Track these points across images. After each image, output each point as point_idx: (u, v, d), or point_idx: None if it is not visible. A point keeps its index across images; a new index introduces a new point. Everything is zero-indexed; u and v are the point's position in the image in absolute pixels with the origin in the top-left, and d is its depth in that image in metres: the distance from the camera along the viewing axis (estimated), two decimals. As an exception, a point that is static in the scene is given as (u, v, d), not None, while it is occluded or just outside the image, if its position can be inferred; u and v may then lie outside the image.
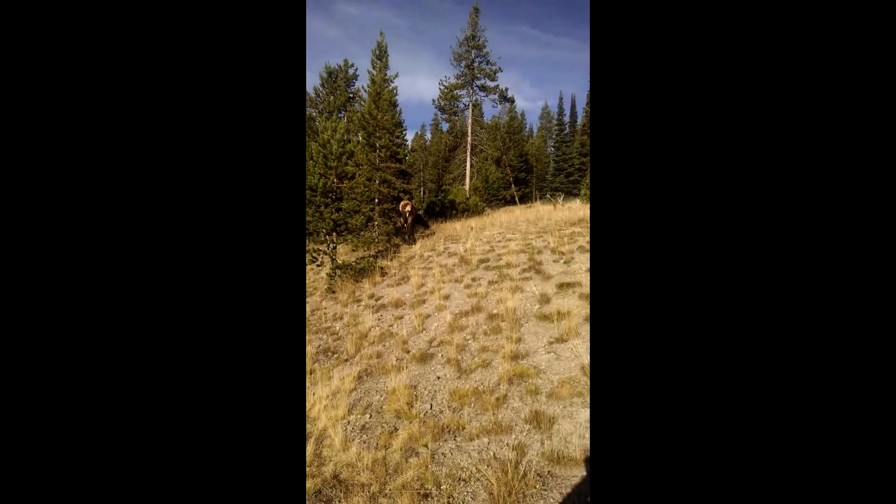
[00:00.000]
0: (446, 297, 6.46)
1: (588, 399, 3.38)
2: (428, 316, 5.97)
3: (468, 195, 19.16)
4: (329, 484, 2.96)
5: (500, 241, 9.21)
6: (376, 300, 7.27)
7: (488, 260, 7.88)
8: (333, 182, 9.45)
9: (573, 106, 34.87)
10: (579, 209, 13.70)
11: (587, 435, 2.99)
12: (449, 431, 3.36)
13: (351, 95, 19.86)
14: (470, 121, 21.71)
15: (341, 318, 6.90)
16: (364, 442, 3.45)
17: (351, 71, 19.99)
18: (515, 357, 4.27)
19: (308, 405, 4.13)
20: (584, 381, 3.61)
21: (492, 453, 2.99)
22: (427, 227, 13.98)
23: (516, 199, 25.74)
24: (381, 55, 14.27)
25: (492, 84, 21.16)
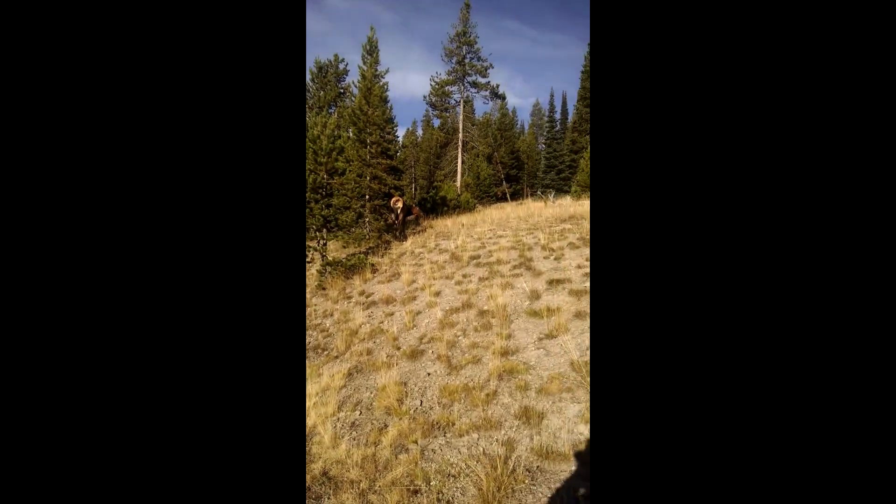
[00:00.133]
0: (437, 294, 6.46)
1: (576, 394, 3.40)
2: (419, 312, 5.97)
3: (459, 192, 19.15)
4: (318, 481, 2.96)
5: (490, 238, 9.23)
6: (367, 297, 7.24)
7: (479, 256, 7.89)
8: (323, 178, 9.38)
9: (564, 103, 34.97)
10: (570, 206, 13.76)
11: (576, 430, 3.01)
12: (439, 428, 3.36)
13: (341, 91, 19.72)
14: (461, 117, 21.68)
15: (331, 315, 6.87)
16: (354, 439, 3.44)
17: (341, 66, 19.84)
18: (505, 353, 4.28)
19: (297, 402, 4.11)
20: (573, 377, 3.64)
21: (481, 449, 3.00)
22: (418, 220, 13.96)
23: (507, 195, 25.79)
24: (371, 50, 14.17)
25: (483, 80, 21.14)
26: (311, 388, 4.39)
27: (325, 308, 7.33)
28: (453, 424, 3.36)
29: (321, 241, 9.25)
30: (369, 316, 6.34)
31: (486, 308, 5.52)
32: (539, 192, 22.35)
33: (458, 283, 6.76)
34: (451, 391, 3.81)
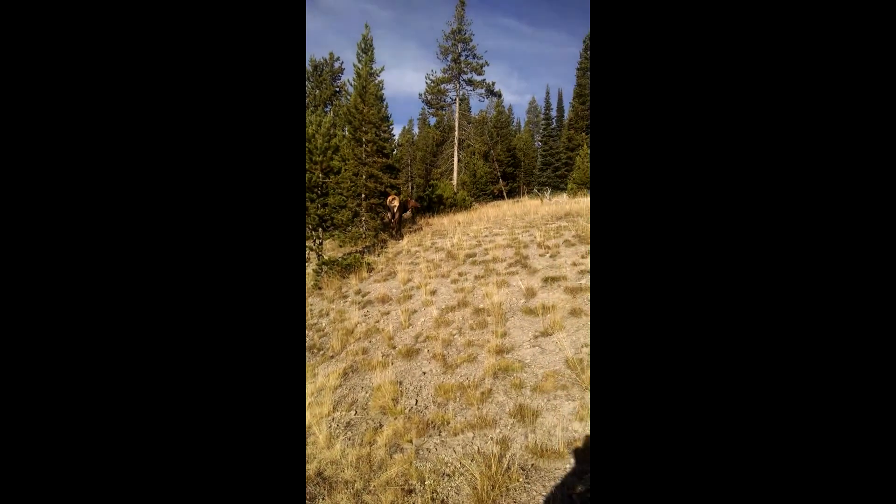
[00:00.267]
0: (433, 293, 6.45)
1: (571, 392, 3.40)
2: (414, 311, 5.96)
3: (456, 190, 19.14)
4: (313, 482, 2.95)
5: (487, 236, 9.22)
6: (363, 296, 7.23)
7: (475, 255, 7.88)
8: (319, 177, 9.36)
9: (560, 100, 34.98)
10: (566, 203, 13.77)
11: (570, 427, 3.01)
12: (434, 427, 3.36)
13: (337, 89, 19.67)
14: (457, 115, 21.65)
15: (327, 315, 6.86)
16: (349, 439, 3.43)
17: (337, 64, 19.79)
18: (501, 351, 4.28)
19: (293, 403, 4.10)
20: (568, 374, 3.64)
21: (476, 448, 2.99)
22: (414, 217, 13.94)
23: (504, 193, 25.78)
24: (366, 48, 14.11)
25: (478, 78, 21.11)
26: (307, 388, 4.37)
27: (321, 307, 7.31)
28: (448, 423, 3.35)
29: (317, 241, 9.23)
30: (365, 315, 6.33)
31: (481, 306, 5.52)
32: (535, 190, 22.36)
33: (454, 281, 6.76)
34: (447, 390, 3.81)
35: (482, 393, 3.64)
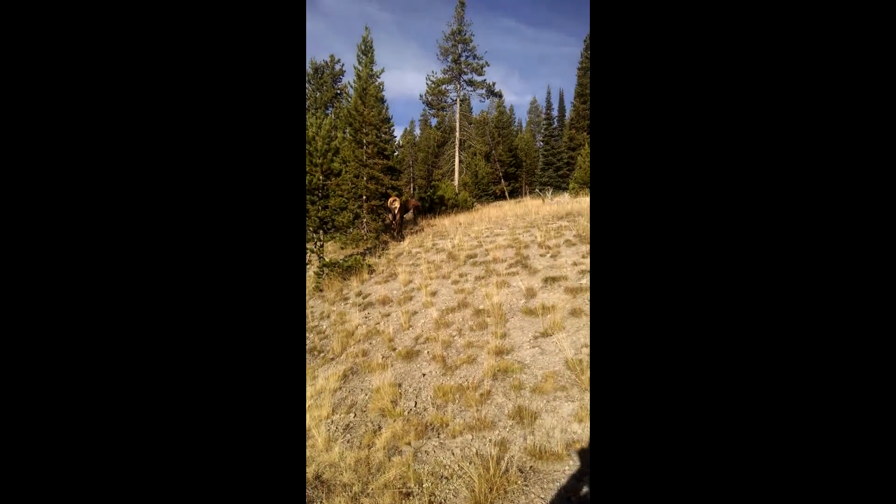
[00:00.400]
0: (433, 294, 6.44)
1: (571, 393, 3.38)
2: (415, 313, 5.95)
3: (457, 191, 19.13)
4: (311, 485, 2.94)
5: (487, 237, 9.21)
6: (364, 298, 7.22)
7: (476, 255, 7.87)
8: (319, 179, 9.36)
9: (561, 100, 34.93)
10: (567, 203, 13.74)
11: (569, 429, 2.99)
12: (433, 429, 3.34)
13: (338, 91, 19.70)
14: (458, 116, 21.65)
15: (328, 317, 6.86)
16: (347, 441, 3.42)
17: (337, 67, 19.83)
18: (500, 352, 4.26)
19: (292, 405, 4.10)
20: (568, 375, 3.61)
21: (474, 450, 2.98)
22: (416, 218, 13.94)
23: (506, 193, 25.74)
24: (366, 50, 14.14)
25: (479, 79, 21.10)
26: (307, 391, 4.36)
27: (322, 310, 7.31)
28: (447, 425, 3.34)
29: (318, 243, 9.23)
30: (366, 317, 6.32)
31: (481, 307, 5.50)
32: (537, 190, 22.32)
33: (455, 282, 6.74)
34: (446, 392, 3.79)
35: (481, 394, 3.63)
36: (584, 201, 13.19)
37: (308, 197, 9.11)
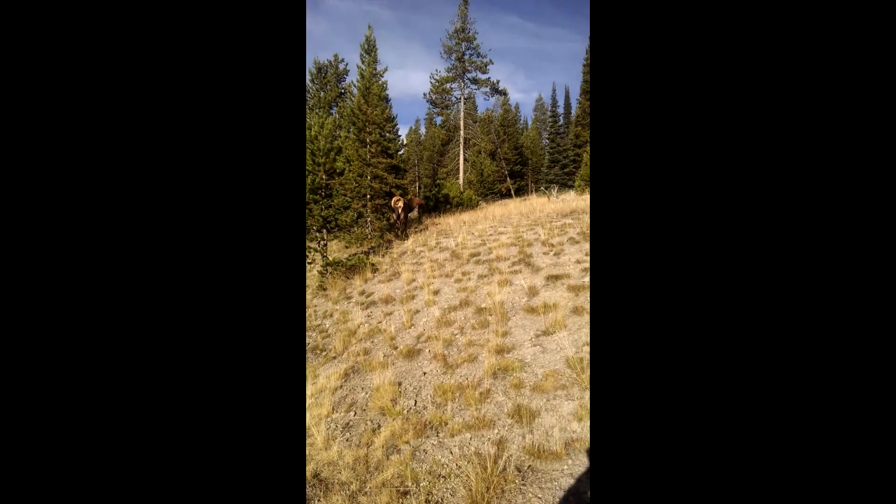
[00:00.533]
0: (436, 293, 6.42)
1: (571, 392, 3.35)
2: (417, 311, 5.94)
3: (462, 189, 19.09)
4: (309, 483, 2.94)
5: (491, 235, 9.17)
6: (367, 297, 7.23)
7: (479, 254, 7.84)
8: (322, 178, 9.37)
9: (567, 97, 34.71)
10: (573, 201, 13.66)
11: (569, 427, 2.96)
12: (431, 428, 3.33)
13: (342, 91, 19.72)
14: (462, 114, 21.60)
15: (331, 316, 6.86)
16: (346, 440, 3.42)
17: (341, 66, 19.84)
18: (501, 351, 4.24)
19: (293, 404, 4.10)
20: (568, 374, 3.58)
21: (473, 449, 2.96)
22: (421, 217, 13.93)
23: (512, 191, 25.66)
24: (369, 49, 14.15)
25: (483, 77, 21.04)
26: (308, 389, 4.37)
27: (325, 309, 7.32)
28: (446, 424, 3.32)
29: (321, 242, 9.25)
30: (368, 316, 6.32)
31: (484, 306, 5.47)
32: (543, 188, 22.23)
33: (458, 280, 6.72)
34: (446, 390, 3.77)
35: (481, 393, 3.60)
36: (589, 199, 13.11)
37: (311, 196, 9.13)
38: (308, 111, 18.77)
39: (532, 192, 27.00)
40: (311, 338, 6.19)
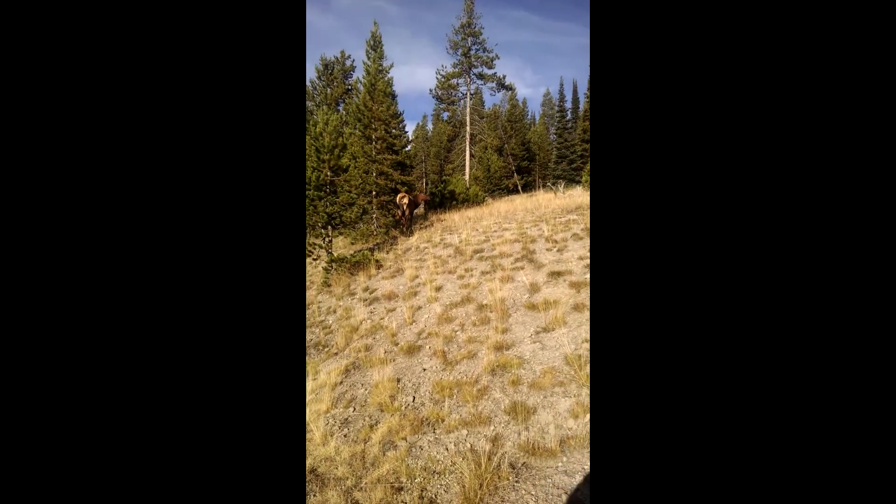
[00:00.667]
0: (438, 289, 6.43)
1: (568, 389, 3.34)
2: (419, 308, 5.95)
3: (468, 185, 19.05)
4: (305, 478, 2.96)
5: (496, 231, 9.15)
6: (370, 293, 7.25)
7: (483, 250, 7.83)
8: (327, 175, 9.40)
9: (574, 92, 34.41)
10: (579, 196, 13.57)
11: (565, 425, 2.96)
12: (428, 424, 3.34)
13: (349, 87, 19.74)
14: (468, 110, 21.52)
15: (334, 312, 6.91)
16: (344, 435, 3.44)
17: (348, 62, 19.85)
18: (501, 348, 4.23)
19: (293, 400, 4.14)
20: (567, 371, 3.57)
21: (469, 445, 2.96)
22: (427, 213, 13.93)
23: (519, 187, 25.54)
24: (375, 45, 14.13)
25: (489, 72, 20.91)
26: (308, 385, 4.41)
27: (328, 305, 7.37)
28: (443, 420, 3.33)
29: (326, 238, 9.29)
30: (371, 312, 6.35)
31: (485, 302, 5.47)
32: (550, 184, 22.10)
33: (460, 277, 6.72)
34: (444, 387, 3.78)
35: (479, 390, 3.61)
36: (595, 194, 13.00)
37: (316, 193, 9.16)
38: (315, 108, 18.82)
39: (539, 187, 26.87)
40: (314, 334, 6.23)
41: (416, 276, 7.30)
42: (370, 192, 12.39)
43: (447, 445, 3.03)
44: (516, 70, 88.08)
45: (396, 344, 5.03)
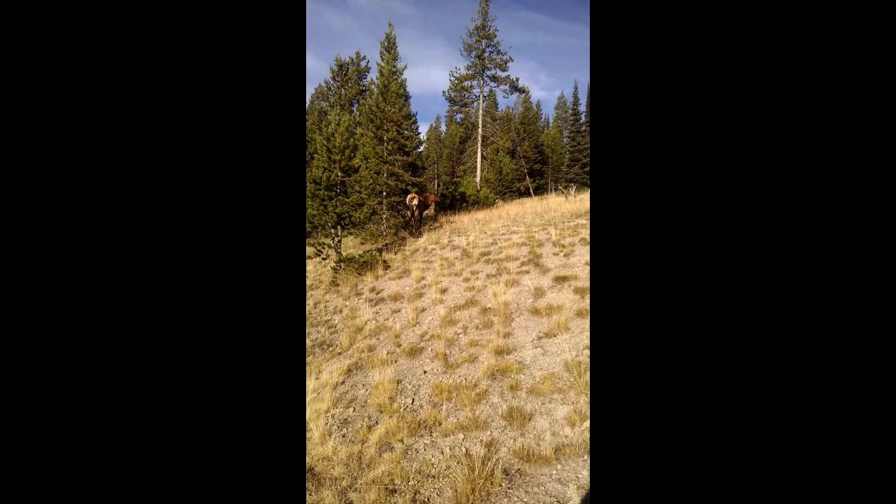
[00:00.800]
0: (444, 291, 6.44)
1: (567, 396, 3.32)
2: (423, 310, 5.96)
3: (479, 187, 19.03)
4: (302, 477, 2.99)
5: (504, 234, 9.13)
6: (376, 293, 7.29)
7: (490, 253, 7.82)
8: (338, 175, 9.48)
9: (589, 95, 34.15)
10: (589, 200, 13.45)
11: (561, 432, 2.94)
12: (425, 427, 3.35)
13: (363, 88, 19.86)
14: (480, 112, 21.50)
15: (340, 312, 6.96)
16: (343, 436, 3.47)
17: (363, 63, 19.98)
18: (502, 352, 4.22)
19: (295, 398, 4.18)
20: (566, 377, 3.55)
21: (464, 449, 2.97)
22: (436, 215, 13.95)
23: (531, 190, 25.44)
24: (389, 47, 14.21)
25: (503, 74, 20.88)
26: (310, 384, 4.45)
27: (335, 304, 7.42)
28: (440, 424, 3.34)
29: (336, 238, 9.36)
30: (376, 313, 6.38)
31: (489, 306, 5.46)
32: (561, 188, 21.97)
33: (466, 280, 6.72)
34: (444, 390, 3.79)
35: (477, 394, 3.61)
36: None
37: (327, 193, 9.24)
38: (329, 108, 18.98)
39: (551, 190, 26.71)
40: (320, 333, 6.29)
41: (423, 278, 7.32)
42: (380, 192, 12.45)
43: (443, 449, 3.03)
44: (531, 73, 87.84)
45: (399, 345, 5.06)
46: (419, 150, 14.97)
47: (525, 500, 2.45)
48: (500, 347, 4.30)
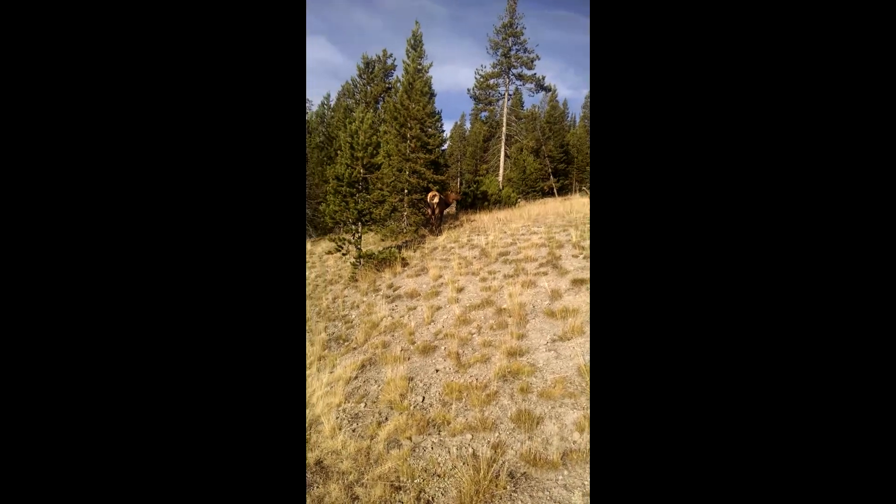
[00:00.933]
0: (460, 290, 6.43)
1: (578, 400, 3.28)
2: (439, 308, 5.97)
3: (501, 186, 18.91)
4: (311, 469, 3.05)
5: (523, 234, 9.05)
6: (394, 290, 7.34)
7: (508, 253, 7.76)
8: (360, 172, 9.57)
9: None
10: (614, 202, 13.20)
11: (570, 437, 2.90)
12: (434, 426, 3.36)
13: (388, 86, 19.99)
14: (505, 110, 21.34)
15: (357, 307, 7.03)
16: (353, 430, 3.51)
17: (389, 61, 20.11)
18: (515, 354, 4.20)
19: (309, 392, 4.25)
20: (579, 382, 3.50)
21: (471, 450, 2.96)
22: (457, 213, 13.93)
23: (555, 190, 25.13)
24: (415, 45, 14.24)
25: (529, 73, 20.67)
26: (324, 378, 4.52)
27: (353, 300, 7.51)
28: (449, 423, 3.34)
29: (356, 234, 9.46)
30: (392, 309, 6.43)
31: (504, 306, 5.43)
32: (583, 188, 21.63)
33: (483, 279, 6.69)
34: (454, 389, 3.79)
35: (488, 395, 3.59)
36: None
37: (348, 189, 9.35)
38: (354, 105, 19.16)
39: (576, 191, 26.30)
40: (337, 327, 6.37)
41: (440, 276, 7.33)
42: (402, 190, 12.51)
43: (450, 448, 3.04)
44: (558, 71, 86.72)
45: (413, 343, 5.08)
46: (442, 148, 14.98)
47: (529, 504, 2.43)
48: (514, 349, 4.27)
